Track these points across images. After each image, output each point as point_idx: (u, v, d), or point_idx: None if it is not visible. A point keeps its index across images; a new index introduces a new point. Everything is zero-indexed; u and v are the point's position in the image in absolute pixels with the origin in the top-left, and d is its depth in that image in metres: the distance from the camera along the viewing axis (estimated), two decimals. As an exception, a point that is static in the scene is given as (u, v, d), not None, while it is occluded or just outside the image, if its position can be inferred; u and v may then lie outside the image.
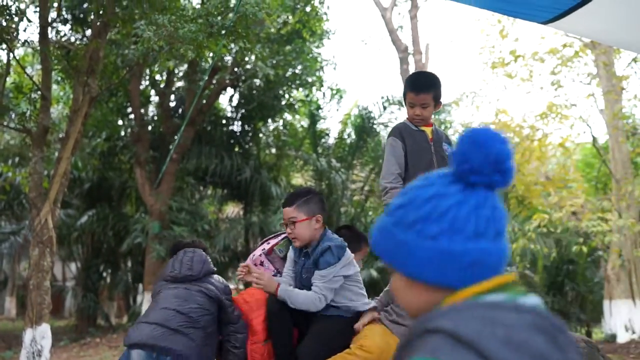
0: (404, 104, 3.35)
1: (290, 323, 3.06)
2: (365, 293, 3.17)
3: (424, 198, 1.06)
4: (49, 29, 6.97)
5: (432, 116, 3.39)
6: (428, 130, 3.29)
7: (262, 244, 3.61)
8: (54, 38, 8.28)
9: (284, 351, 3.08)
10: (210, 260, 3.43)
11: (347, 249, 3.07)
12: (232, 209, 16.56)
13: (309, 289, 3.01)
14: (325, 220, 3.13)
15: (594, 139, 14.38)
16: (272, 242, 3.54)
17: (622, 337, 12.30)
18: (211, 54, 7.60)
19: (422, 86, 3.22)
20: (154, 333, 2.96)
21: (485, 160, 1.03)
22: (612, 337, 12.49)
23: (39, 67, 12.40)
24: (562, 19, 3.54)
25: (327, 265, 2.96)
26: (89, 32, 9.21)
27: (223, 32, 5.50)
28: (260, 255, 3.46)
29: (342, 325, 3.00)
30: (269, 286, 3.00)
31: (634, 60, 13.29)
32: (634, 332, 12.31)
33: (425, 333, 0.96)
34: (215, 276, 3.36)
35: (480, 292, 1.01)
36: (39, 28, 6.53)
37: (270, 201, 13.27)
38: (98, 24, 6.60)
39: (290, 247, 3.24)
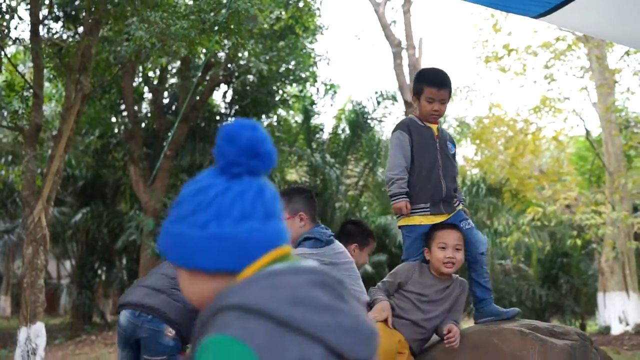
0: (417, 99, 3.32)
1: None
2: (361, 286, 3.16)
3: (192, 193, 1.12)
4: (41, 26, 6.94)
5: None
6: (434, 127, 3.31)
7: None
8: (46, 35, 8.24)
9: None
10: None
11: (334, 242, 3.06)
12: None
13: None
14: (314, 216, 3.11)
15: (587, 132, 14.42)
16: None
17: (616, 329, 12.37)
18: (204, 51, 7.58)
19: (444, 82, 3.27)
20: (140, 293, 3.02)
21: (238, 151, 1.09)
22: (606, 329, 12.56)
23: (30, 65, 12.35)
24: (554, 13, 3.54)
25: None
26: (81, 29, 9.16)
27: (215, 28, 5.49)
28: None
29: None
30: None
31: (627, 53, 13.32)
32: (627, 324, 12.38)
33: (216, 312, 1.01)
34: None
35: (262, 266, 1.07)
36: (30, 25, 6.50)
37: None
38: (90, 21, 6.57)
39: None
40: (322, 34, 13.47)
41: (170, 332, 2.95)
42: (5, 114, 12.34)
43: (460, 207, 3.30)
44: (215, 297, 1.05)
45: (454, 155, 3.37)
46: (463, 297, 3.09)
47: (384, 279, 3.15)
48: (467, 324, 3.71)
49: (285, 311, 0.96)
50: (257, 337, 0.94)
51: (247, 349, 0.93)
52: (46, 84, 12.85)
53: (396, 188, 3.11)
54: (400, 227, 3.28)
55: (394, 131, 3.31)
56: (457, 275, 3.12)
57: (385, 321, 2.90)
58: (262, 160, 1.11)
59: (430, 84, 3.24)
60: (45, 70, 7.35)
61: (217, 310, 1.02)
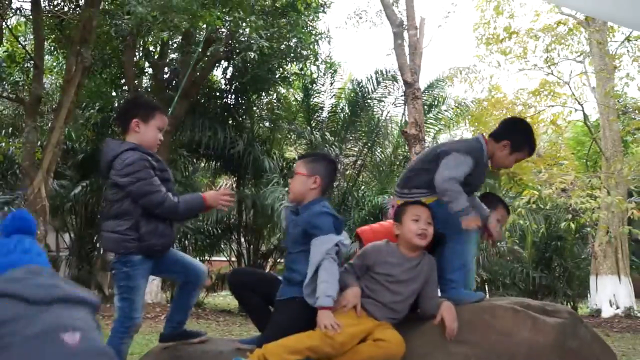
0: (507, 150, 3.29)
1: (253, 297, 3.17)
2: None
3: None
4: (42, -3, 6.89)
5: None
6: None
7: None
8: (47, 7, 8.17)
9: (258, 323, 3.20)
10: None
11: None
12: (226, 182, 16.56)
13: (295, 243, 2.98)
14: (326, 189, 3.09)
15: (586, 117, 14.41)
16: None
17: (607, 312, 12.48)
18: (205, 25, 7.53)
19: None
20: None
21: (9, 226, 2.04)
22: (597, 312, 12.67)
23: (31, 37, 12.24)
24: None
25: (326, 230, 2.85)
26: (82, 1, 9.09)
27: (217, 1, 5.45)
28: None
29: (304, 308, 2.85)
30: (327, 318, 2.72)
31: (627, 39, 13.26)
32: (617, 307, 12.50)
33: None
34: None
35: None
36: (31, -4, 6.44)
37: (263, 174, 13.26)
38: (91, -7, 6.52)
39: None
40: (324, 12, 13.37)
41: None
42: (6, 85, 12.30)
43: None
44: None
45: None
46: (434, 275, 3.03)
47: (353, 261, 3.09)
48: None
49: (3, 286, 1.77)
50: None
51: None
52: (48, 56, 12.79)
53: (450, 199, 3.01)
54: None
55: (464, 152, 3.22)
56: (426, 252, 3.05)
57: (354, 308, 2.84)
58: (24, 224, 2.04)
59: (533, 152, 3.39)
60: (46, 43, 7.31)
61: None
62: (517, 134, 3.31)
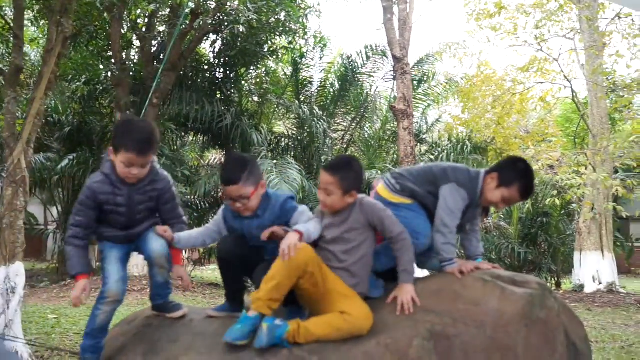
0: (494, 184, 3.12)
1: (240, 269, 3.08)
2: None
3: None
4: (22, -35, 6.72)
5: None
6: None
7: None
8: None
9: (230, 293, 3.18)
10: None
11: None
12: (214, 156, 16.51)
13: (262, 247, 2.99)
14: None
15: (574, 94, 14.39)
16: None
17: (590, 288, 12.62)
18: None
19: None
20: None
21: None
22: (580, 287, 12.80)
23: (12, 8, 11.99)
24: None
25: (296, 208, 3.00)
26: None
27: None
28: None
29: None
30: (291, 238, 2.71)
31: (617, 16, 13.19)
32: (600, 283, 12.63)
33: None
34: None
35: None
36: (10, -36, 6.30)
37: (251, 148, 13.22)
38: (72, -39, 6.37)
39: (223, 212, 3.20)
40: (313, -15, 13.20)
41: None
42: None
43: None
44: None
45: None
46: (374, 213, 2.88)
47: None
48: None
49: None
50: None
51: None
52: (32, 28, 12.59)
53: (444, 247, 3.06)
54: None
55: (459, 188, 3.10)
56: (358, 201, 2.92)
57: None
58: None
59: (526, 198, 3.20)
60: (30, 14, 7.19)
61: None
62: (509, 169, 3.13)
